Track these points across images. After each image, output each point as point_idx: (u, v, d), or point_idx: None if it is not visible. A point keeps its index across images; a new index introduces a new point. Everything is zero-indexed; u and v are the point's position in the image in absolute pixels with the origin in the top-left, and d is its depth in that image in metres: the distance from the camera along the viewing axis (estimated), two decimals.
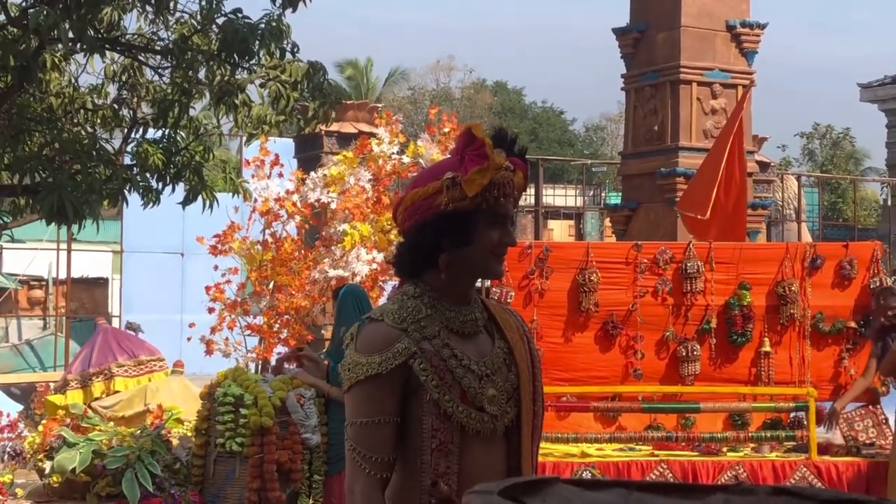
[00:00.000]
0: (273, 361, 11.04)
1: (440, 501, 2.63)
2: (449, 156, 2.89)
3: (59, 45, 7.21)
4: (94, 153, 7.69)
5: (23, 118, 7.97)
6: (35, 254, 18.96)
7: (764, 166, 19.11)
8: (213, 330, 10.84)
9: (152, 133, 8.23)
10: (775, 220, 22.80)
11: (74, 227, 8.35)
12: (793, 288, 8.26)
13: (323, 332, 11.37)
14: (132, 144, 8.20)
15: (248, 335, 11.03)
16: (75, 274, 17.74)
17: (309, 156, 14.45)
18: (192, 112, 8.29)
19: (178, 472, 8.27)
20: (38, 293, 19.53)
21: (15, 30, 7.42)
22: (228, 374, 7.90)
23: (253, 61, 7.61)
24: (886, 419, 8.17)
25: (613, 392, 8.15)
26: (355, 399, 2.72)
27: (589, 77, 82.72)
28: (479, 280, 2.96)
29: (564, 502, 1.25)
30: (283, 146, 13.80)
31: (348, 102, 15.05)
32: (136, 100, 8.31)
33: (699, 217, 9.61)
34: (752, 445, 8.04)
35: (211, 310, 10.91)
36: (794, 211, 23.52)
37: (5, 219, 8.34)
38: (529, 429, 2.80)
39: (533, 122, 46.63)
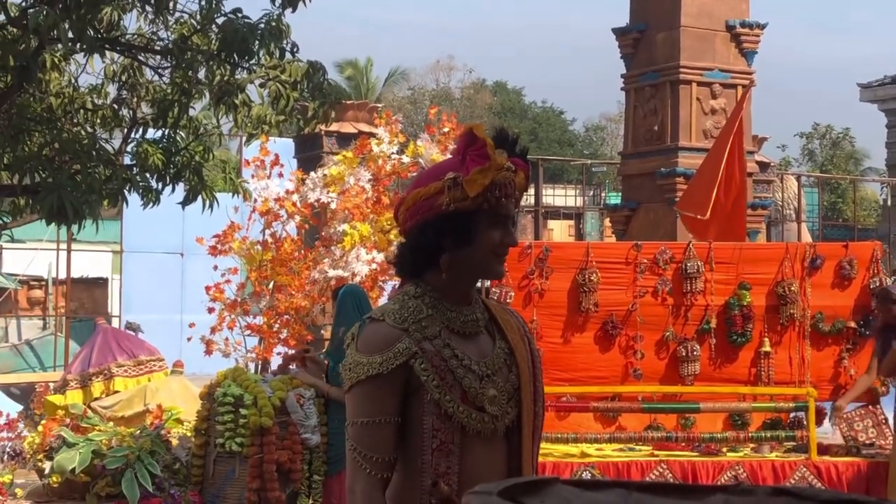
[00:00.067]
0: (273, 362, 11.05)
1: (441, 501, 2.63)
2: (450, 156, 2.89)
3: (59, 45, 7.21)
4: (94, 153, 7.69)
5: (22, 118, 7.97)
6: (35, 254, 18.96)
7: (764, 166, 19.11)
8: (212, 330, 10.84)
9: (152, 133, 8.24)
10: (775, 221, 22.80)
11: (74, 227, 8.35)
12: (793, 288, 8.27)
13: (323, 332, 11.36)
14: (132, 144, 8.20)
15: (248, 335, 11.03)
16: (75, 274, 17.75)
17: (309, 156, 14.44)
18: (191, 112, 8.30)
19: (177, 472, 8.27)
20: (38, 293, 19.54)
21: (15, 30, 7.42)
22: (228, 374, 7.90)
23: (253, 61, 7.61)
24: (886, 419, 8.17)
25: (613, 392, 8.15)
26: (356, 399, 2.72)
27: (589, 77, 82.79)
28: (480, 280, 2.96)
29: (564, 503, 1.25)
30: (283, 146, 13.80)
31: (348, 102, 15.05)
32: (135, 100, 8.31)
33: (699, 217, 9.61)
34: (751, 445, 8.04)
35: (211, 310, 10.91)
36: (793, 211, 23.52)
37: (5, 219, 8.34)
38: (530, 429, 2.80)
39: (533, 121, 46.64)
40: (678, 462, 7.65)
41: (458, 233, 2.71)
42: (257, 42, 7.26)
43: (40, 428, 8.80)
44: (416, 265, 2.79)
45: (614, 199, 22.11)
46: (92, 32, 7.19)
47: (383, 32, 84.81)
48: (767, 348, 8.27)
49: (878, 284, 8.27)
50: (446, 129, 11.16)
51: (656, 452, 7.86)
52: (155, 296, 18.32)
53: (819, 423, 8.19)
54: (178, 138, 8.13)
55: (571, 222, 25.04)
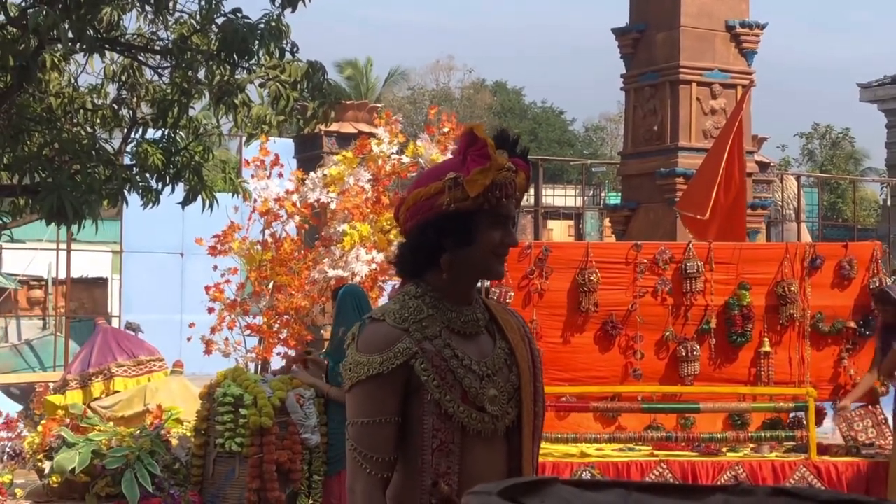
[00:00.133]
0: (273, 362, 11.05)
1: (441, 501, 2.63)
2: (450, 156, 2.89)
3: (59, 45, 7.21)
4: (94, 153, 7.69)
5: (22, 118, 7.97)
6: (35, 254, 18.97)
7: (763, 166, 19.11)
8: (212, 330, 10.84)
9: (152, 133, 8.24)
10: (775, 221, 22.80)
11: (74, 227, 8.36)
12: (792, 288, 8.27)
13: (322, 332, 11.36)
14: (132, 144, 8.20)
15: (248, 335, 11.03)
16: (75, 274, 17.75)
17: (308, 156, 14.44)
18: (191, 112, 8.30)
19: (177, 472, 8.27)
20: (38, 293, 19.54)
21: (14, 30, 7.42)
22: (228, 374, 7.90)
23: (252, 61, 7.61)
24: (886, 419, 8.17)
25: (613, 392, 8.15)
26: (356, 399, 2.72)
27: (588, 77, 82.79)
28: (480, 280, 2.96)
29: (563, 503, 1.25)
30: (283, 146, 13.80)
31: (348, 102, 15.05)
32: (135, 100, 8.31)
33: (699, 217, 9.61)
34: (751, 446, 8.04)
35: (210, 310, 10.91)
36: (793, 211, 23.52)
37: (5, 219, 8.35)
38: (530, 429, 2.80)
39: (532, 122, 46.64)
40: (678, 462, 7.65)
41: (458, 233, 2.71)
42: (257, 42, 7.26)
43: (40, 428, 8.80)
44: (416, 265, 2.79)
45: (614, 199, 22.11)
46: (92, 32, 7.19)
47: (383, 32, 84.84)
48: (767, 348, 8.28)
49: (877, 284, 8.27)
50: (446, 129, 11.16)
51: (656, 452, 7.86)
52: (155, 296, 18.32)
53: (819, 423, 8.19)
54: (177, 138, 8.13)
55: (571, 222, 25.04)
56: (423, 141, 11.20)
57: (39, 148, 8.07)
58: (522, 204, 2.90)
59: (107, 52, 7.97)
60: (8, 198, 8.43)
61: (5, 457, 9.26)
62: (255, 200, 10.75)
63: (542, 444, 5.30)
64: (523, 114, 47.86)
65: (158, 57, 8.00)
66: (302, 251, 11.05)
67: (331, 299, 8.87)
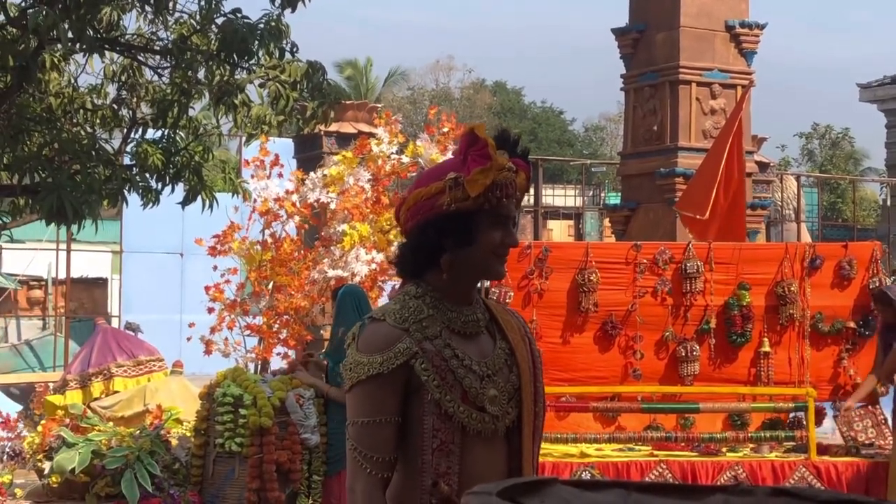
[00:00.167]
0: (272, 362, 11.04)
1: (441, 501, 2.63)
2: (451, 156, 2.89)
3: (59, 45, 7.21)
4: (94, 153, 7.69)
5: (22, 118, 7.97)
6: (34, 254, 18.96)
7: (763, 166, 19.11)
8: (212, 330, 10.83)
9: (152, 133, 8.24)
10: (774, 221, 22.80)
11: (74, 228, 8.36)
12: (792, 288, 8.27)
13: (322, 332, 11.36)
14: (131, 144, 8.20)
15: (248, 335, 11.03)
16: (75, 274, 17.75)
17: (308, 156, 14.44)
18: (191, 112, 8.30)
19: (177, 472, 8.27)
20: (38, 293, 19.53)
21: (14, 30, 7.42)
22: (228, 374, 7.90)
23: (252, 61, 7.61)
24: (886, 419, 8.18)
25: (613, 392, 8.15)
26: (357, 398, 2.72)
27: (588, 77, 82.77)
28: (480, 280, 2.96)
29: (563, 503, 1.25)
30: (283, 146, 13.80)
31: (347, 102, 15.04)
32: (135, 100, 8.31)
33: (698, 217, 9.62)
34: (751, 446, 8.05)
35: (210, 310, 10.90)
36: (793, 211, 23.53)
37: (5, 219, 8.35)
38: (530, 429, 2.80)
39: (532, 122, 46.64)
40: (678, 462, 7.65)
41: (459, 233, 2.71)
42: (257, 42, 7.26)
43: (40, 428, 8.80)
44: (416, 265, 2.79)
45: (614, 199, 22.11)
46: (91, 32, 7.19)
47: (383, 32, 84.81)
48: (767, 348, 8.28)
49: (877, 285, 8.27)
50: (446, 130, 11.16)
51: (656, 452, 7.87)
52: (154, 296, 18.32)
53: (818, 423, 8.20)
54: (177, 138, 8.13)
55: (571, 222, 25.05)
56: (423, 141, 11.20)
57: (39, 148, 8.07)
58: (522, 204, 2.89)
59: (106, 53, 7.97)
60: (8, 198, 8.43)
61: (5, 457, 9.26)
62: (255, 200, 10.75)
63: (542, 444, 5.30)
64: (523, 114, 47.86)
65: (158, 57, 8.00)
66: (302, 251, 11.05)
67: (330, 299, 8.87)
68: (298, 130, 11.41)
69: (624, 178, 13.39)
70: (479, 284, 2.92)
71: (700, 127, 12.16)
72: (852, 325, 8.37)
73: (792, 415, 8.20)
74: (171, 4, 7.70)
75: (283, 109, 7.76)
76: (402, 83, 45.04)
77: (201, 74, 7.79)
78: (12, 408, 11.36)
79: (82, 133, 8.17)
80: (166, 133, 8.10)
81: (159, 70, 8.09)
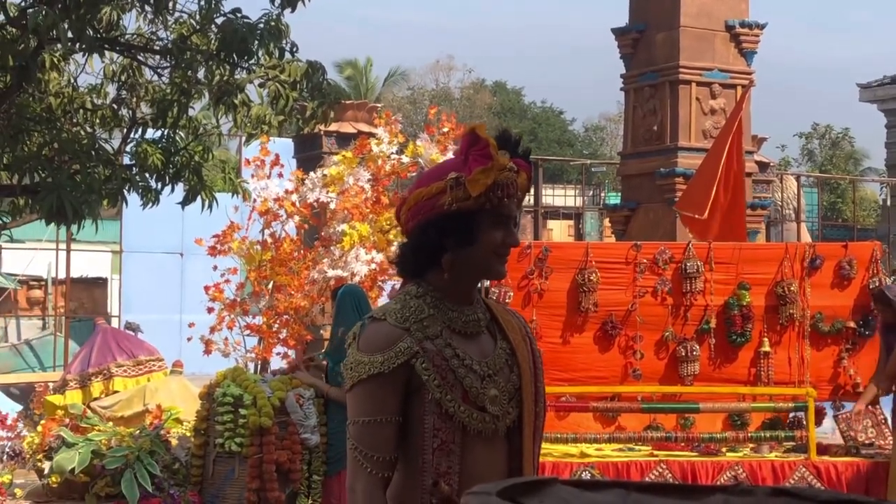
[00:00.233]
0: (272, 362, 11.04)
1: (441, 501, 2.63)
2: (452, 156, 2.89)
3: (58, 45, 7.21)
4: (94, 153, 7.69)
5: (22, 118, 7.97)
6: (34, 254, 18.96)
7: (763, 166, 19.10)
8: (212, 330, 10.82)
9: (151, 133, 8.24)
10: (774, 221, 22.80)
11: (74, 227, 8.36)
12: (792, 288, 8.27)
13: (322, 332, 11.35)
14: (131, 144, 8.20)
15: (248, 335, 11.02)
16: (74, 274, 17.74)
17: (308, 156, 14.44)
18: (191, 112, 8.30)
19: (177, 472, 8.27)
20: (38, 293, 19.53)
21: (14, 30, 7.42)
22: (227, 374, 7.90)
23: (252, 61, 7.61)
24: (885, 419, 8.18)
25: (613, 392, 8.15)
26: (357, 398, 2.72)
27: (588, 77, 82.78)
28: (481, 280, 2.96)
29: (563, 503, 1.25)
30: (283, 146, 13.79)
31: (347, 102, 15.04)
32: (135, 100, 8.31)
33: (697, 217, 9.62)
34: (751, 446, 8.05)
35: (210, 310, 10.90)
36: (793, 211, 23.53)
37: (5, 219, 8.35)
38: (531, 429, 2.80)
39: (532, 121, 46.64)
40: (677, 462, 7.65)
41: (460, 232, 2.71)
42: (256, 42, 7.26)
43: (39, 428, 8.80)
44: (417, 265, 2.79)
45: (614, 199, 22.12)
46: (91, 32, 7.19)
47: (383, 32, 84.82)
48: (767, 348, 8.28)
49: (877, 284, 8.27)
50: (446, 129, 11.15)
51: (656, 452, 7.86)
52: (154, 296, 18.32)
53: (818, 423, 8.20)
54: (177, 138, 8.13)
55: (571, 222, 25.05)
56: (423, 141, 11.19)
57: (39, 148, 8.07)
58: (522, 204, 2.89)
59: (106, 52, 7.97)
60: (8, 198, 8.43)
61: (5, 457, 9.26)
62: (255, 200, 10.75)
63: (542, 444, 5.31)
64: (523, 114, 47.86)
65: (158, 57, 8.00)
66: (301, 251, 11.04)
67: (330, 299, 8.87)
68: (298, 130, 11.41)
69: (624, 178, 13.39)
70: (479, 284, 2.92)
71: (700, 127, 12.16)
72: (852, 325, 8.37)
73: (792, 415, 8.20)
74: (170, 4, 7.70)
75: (283, 109, 7.76)
76: (401, 83, 45.06)
77: (201, 74, 7.79)
78: (12, 408, 11.36)
79: (82, 133, 8.17)
80: (166, 133, 8.10)
81: (159, 70, 8.09)
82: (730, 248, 8.47)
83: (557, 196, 28.40)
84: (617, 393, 8.16)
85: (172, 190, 8.06)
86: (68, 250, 16.41)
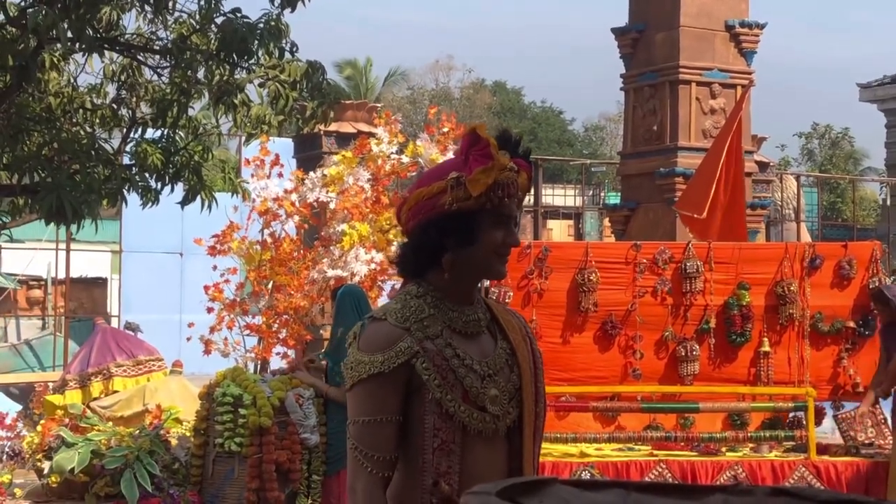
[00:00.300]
0: (272, 362, 11.04)
1: (441, 501, 2.63)
2: (452, 156, 2.89)
3: (58, 45, 7.21)
4: (93, 153, 7.69)
5: (21, 118, 7.97)
6: (34, 253, 18.96)
7: (763, 166, 19.10)
8: (211, 330, 10.82)
9: (151, 133, 8.23)
10: (774, 220, 22.81)
11: (73, 227, 8.36)
12: (792, 288, 8.27)
13: (322, 332, 11.35)
14: (131, 144, 8.20)
15: (247, 335, 11.02)
16: (74, 274, 17.74)
17: (308, 155, 14.44)
18: (190, 112, 8.30)
19: (176, 472, 8.26)
20: (37, 293, 19.53)
21: (14, 29, 7.42)
22: (227, 373, 7.90)
23: (252, 61, 7.61)
24: (885, 419, 8.18)
25: (612, 392, 8.15)
26: (358, 397, 2.72)
27: (588, 77, 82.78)
28: (481, 280, 2.96)
29: (562, 503, 1.25)
30: (282, 146, 13.79)
31: (347, 102, 15.04)
32: (134, 99, 8.31)
33: (695, 216, 9.62)
34: (751, 445, 8.05)
35: (210, 309, 10.89)
36: (793, 211, 23.53)
37: (4, 219, 8.35)
38: (531, 430, 2.80)
39: (532, 121, 46.63)
40: (677, 462, 7.65)
41: (460, 232, 2.71)
42: (256, 42, 7.26)
43: (39, 428, 8.80)
44: (418, 265, 2.79)
45: (613, 198, 22.12)
46: (91, 32, 7.18)
47: (382, 32, 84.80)
48: (767, 348, 8.28)
49: (877, 284, 8.27)
50: (445, 129, 11.15)
51: (655, 452, 7.87)
52: (154, 296, 18.32)
53: (818, 422, 8.20)
54: (177, 138, 8.13)
55: (571, 222, 25.05)
56: (423, 141, 11.19)
57: (39, 148, 8.07)
58: (523, 204, 2.89)
59: (106, 52, 7.97)
60: (7, 197, 8.43)
61: (4, 457, 9.25)
62: (254, 200, 10.74)
63: (542, 444, 5.30)
64: (523, 114, 47.86)
65: (158, 57, 8.00)
66: (301, 251, 11.04)
67: (330, 299, 8.87)
68: (298, 130, 11.40)
69: (624, 178, 13.39)
70: (479, 284, 2.92)
71: (700, 127, 12.15)
72: (852, 324, 8.37)
73: (791, 414, 8.21)
74: (170, 4, 7.70)
75: (283, 109, 7.76)
76: (401, 83, 45.06)
77: (201, 74, 7.79)
78: (12, 407, 11.36)
79: (82, 133, 8.17)
80: (166, 133, 8.10)
81: (159, 70, 8.09)
82: (729, 248, 8.47)
83: (557, 196, 28.40)
84: (617, 393, 8.16)
85: (172, 190, 8.06)
86: (68, 250, 16.41)
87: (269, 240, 11.05)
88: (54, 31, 6.65)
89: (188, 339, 10.94)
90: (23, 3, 7.51)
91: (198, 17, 7.73)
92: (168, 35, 7.92)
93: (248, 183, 9.69)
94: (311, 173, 11.26)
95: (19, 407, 11.64)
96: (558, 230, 25.37)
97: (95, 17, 7.23)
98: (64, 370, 10.90)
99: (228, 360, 10.66)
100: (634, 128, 12.74)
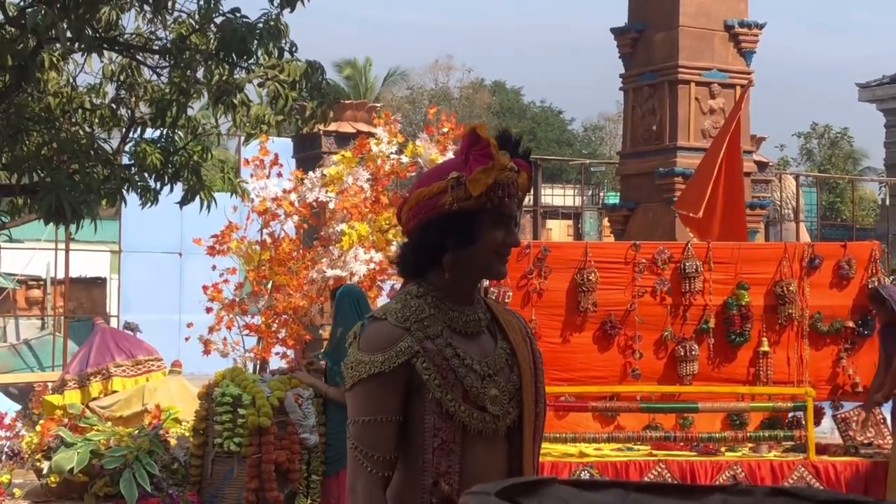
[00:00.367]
0: (271, 362, 11.04)
1: (441, 501, 2.63)
2: (452, 156, 2.89)
3: (58, 45, 7.21)
4: (93, 153, 7.69)
5: (21, 118, 7.97)
6: (33, 253, 18.95)
7: (762, 166, 19.11)
8: (210, 330, 10.82)
9: (150, 133, 8.23)
10: (773, 220, 22.81)
11: (72, 227, 8.35)
12: (791, 288, 8.27)
13: (321, 332, 11.35)
14: (130, 144, 8.20)
15: (246, 335, 11.01)
16: (73, 274, 17.74)
17: (307, 155, 14.44)
18: (190, 112, 8.30)
19: (175, 472, 8.26)
20: (37, 293, 19.53)
21: (13, 29, 7.41)
22: (226, 373, 7.90)
23: (251, 61, 7.60)
24: (884, 419, 8.18)
25: (612, 392, 8.15)
26: (358, 397, 2.72)
27: (587, 77, 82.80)
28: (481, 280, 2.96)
29: (561, 503, 1.25)
30: (282, 146, 13.79)
31: (347, 102, 15.03)
32: (134, 99, 8.31)
33: (691, 215, 9.62)
34: (750, 445, 8.05)
35: (209, 309, 10.89)
36: (792, 211, 23.53)
37: (3, 218, 8.35)
38: (531, 430, 2.80)
39: (531, 121, 46.64)
40: (676, 462, 7.65)
41: (461, 232, 2.71)
42: (256, 42, 7.25)
43: (38, 428, 8.79)
44: (418, 265, 2.79)
45: (613, 198, 22.12)
46: (90, 32, 7.18)
47: (382, 32, 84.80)
48: (766, 348, 8.28)
49: (876, 284, 8.28)
50: (445, 129, 11.15)
51: (655, 452, 7.87)
52: (153, 296, 18.31)
53: (817, 422, 8.20)
54: (176, 138, 8.13)
55: (570, 222, 25.06)
56: (422, 141, 11.19)
57: (38, 147, 8.07)
58: (523, 204, 2.89)
59: (105, 52, 7.96)
60: (6, 197, 8.43)
61: (3, 456, 9.25)
62: (253, 200, 10.74)
63: (541, 444, 5.29)
64: (522, 113, 47.87)
65: (157, 56, 8.00)
66: (300, 251, 11.04)
67: (329, 299, 8.87)
68: (297, 130, 11.40)
69: (623, 178, 13.39)
70: (479, 284, 2.92)
71: (699, 126, 12.15)
72: (851, 324, 8.37)
73: (791, 414, 8.21)
74: (169, 4, 7.70)
75: (282, 109, 7.76)
76: (401, 83, 45.05)
77: (200, 74, 7.79)
78: (11, 407, 11.35)
79: (81, 133, 8.17)
80: (165, 132, 8.10)
81: (158, 69, 8.09)
82: (729, 248, 8.48)
83: (556, 196, 28.42)
84: (616, 392, 8.16)
85: (171, 190, 8.06)
86: (67, 250, 16.41)
87: (268, 240, 11.05)
88: (53, 31, 6.65)
89: (187, 339, 10.94)
90: (22, 3, 7.50)
91: (197, 16, 7.72)
92: (167, 35, 7.92)
93: (247, 183, 9.69)
94: (311, 173, 11.26)
95: (18, 407, 11.63)
96: (557, 230, 25.38)
97: (95, 16, 7.22)
98: (63, 370, 10.89)
99: (227, 360, 10.66)
100: (634, 128, 12.74)
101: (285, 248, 10.93)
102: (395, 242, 10.26)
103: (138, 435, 8.32)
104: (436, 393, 2.69)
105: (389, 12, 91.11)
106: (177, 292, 18.70)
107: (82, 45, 7.18)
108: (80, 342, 12.08)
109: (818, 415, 8.23)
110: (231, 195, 8.88)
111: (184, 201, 8.04)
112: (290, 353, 10.96)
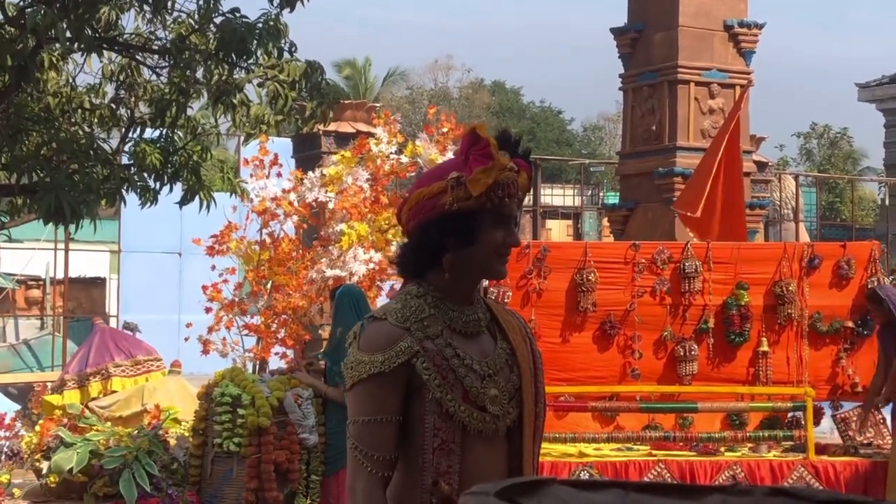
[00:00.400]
0: (271, 362, 11.04)
1: (441, 500, 2.63)
2: (452, 156, 2.89)
3: (57, 45, 7.21)
4: (92, 153, 7.69)
5: (20, 118, 7.96)
6: (32, 253, 18.95)
7: (762, 166, 19.11)
8: (210, 330, 10.82)
9: (150, 133, 8.23)
10: (773, 220, 22.81)
11: (72, 227, 8.34)
12: (790, 288, 8.27)
13: (320, 332, 11.35)
14: (130, 144, 8.20)
15: (246, 335, 11.01)
16: (73, 274, 17.73)
17: (307, 155, 14.44)
18: (189, 112, 8.29)
19: (175, 472, 8.26)
20: (36, 293, 19.52)
21: (12, 29, 7.41)
22: (226, 373, 7.90)
23: (251, 61, 7.60)
24: (884, 419, 8.19)
25: (611, 392, 8.15)
26: (358, 397, 2.72)
27: (587, 77, 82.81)
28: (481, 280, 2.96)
29: (561, 503, 1.25)
30: (281, 146, 13.79)
31: (346, 102, 15.03)
32: (133, 99, 8.31)
33: (691, 215, 9.62)
34: (749, 445, 8.05)
35: (208, 310, 10.89)
36: (791, 211, 23.53)
37: (3, 218, 8.34)
38: (531, 430, 2.80)
39: (531, 121, 46.65)
40: (676, 462, 7.65)
41: (461, 232, 2.71)
42: (255, 41, 7.25)
43: (38, 428, 8.79)
44: (418, 265, 2.79)
45: (612, 198, 22.13)
46: (90, 32, 7.18)
47: (382, 32, 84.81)
48: (765, 348, 8.28)
49: (875, 284, 8.28)
50: (445, 129, 11.14)
51: (654, 452, 7.87)
52: (153, 296, 18.31)
53: (817, 422, 8.20)
54: (175, 138, 8.13)
55: (570, 222, 25.06)
56: (422, 141, 11.18)
57: (37, 147, 8.07)
58: (523, 204, 2.90)
59: (105, 52, 7.96)
60: (6, 197, 8.43)
61: (3, 457, 9.25)
62: (253, 200, 10.74)
63: (541, 444, 5.29)
64: (522, 113, 47.87)
65: (156, 56, 8.00)
66: (300, 251, 11.04)
67: (328, 299, 8.87)
68: (297, 130, 11.40)
69: (622, 178, 13.39)
70: (479, 284, 2.92)
71: (698, 126, 12.15)
72: (850, 324, 8.37)
73: (790, 414, 8.21)
74: (169, 4, 7.69)
75: (282, 109, 7.76)
76: (400, 83, 45.05)
77: (200, 74, 7.78)
78: (10, 407, 11.35)
79: (80, 133, 8.17)
80: (164, 133, 8.10)
81: (157, 69, 8.08)
82: (728, 248, 8.48)
83: (556, 196, 28.42)
84: (615, 392, 8.16)
85: (171, 190, 8.06)
86: (66, 250, 16.40)
87: (267, 240, 11.05)
88: (53, 31, 6.65)
89: (186, 339, 10.94)
90: (21, 3, 7.50)
91: (196, 16, 7.72)
92: (167, 35, 7.92)
93: (246, 183, 9.69)
94: (310, 173, 11.26)
95: (18, 407, 11.63)
96: (557, 230, 25.38)
97: (94, 16, 7.22)
98: (62, 370, 10.89)
99: (227, 360, 10.65)
100: (633, 128, 12.74)
101: (285, 248, 10.93)
102: (394, 242, 10.26)
103: (138, 435, 8.32)
104: (436, 393, 2.69)
105: (389, 12, 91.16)
106: (176, 292, 18.70)
107: (82, 45, 7.18)
108: (80, 342, 12.08)
109: (818, 415, 8.23)
110: (230, 195, 8.88)
111: (183, 201, 8.04)
112: (290, 353, 10.96)
